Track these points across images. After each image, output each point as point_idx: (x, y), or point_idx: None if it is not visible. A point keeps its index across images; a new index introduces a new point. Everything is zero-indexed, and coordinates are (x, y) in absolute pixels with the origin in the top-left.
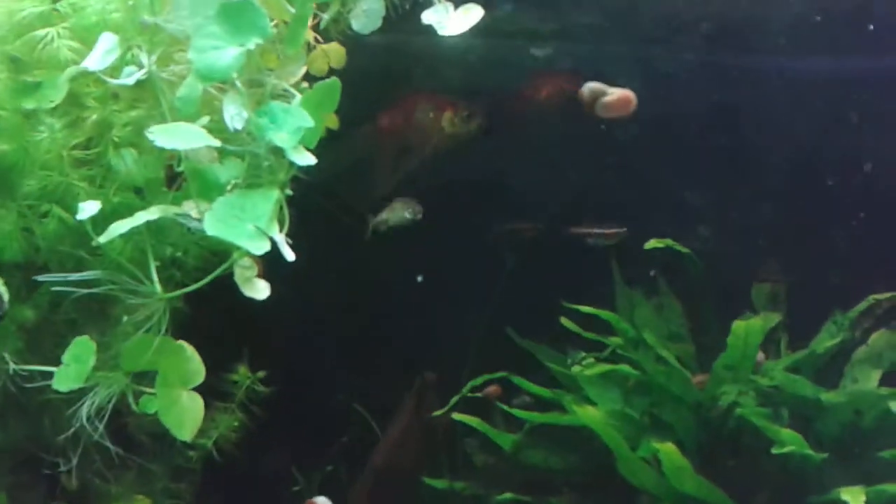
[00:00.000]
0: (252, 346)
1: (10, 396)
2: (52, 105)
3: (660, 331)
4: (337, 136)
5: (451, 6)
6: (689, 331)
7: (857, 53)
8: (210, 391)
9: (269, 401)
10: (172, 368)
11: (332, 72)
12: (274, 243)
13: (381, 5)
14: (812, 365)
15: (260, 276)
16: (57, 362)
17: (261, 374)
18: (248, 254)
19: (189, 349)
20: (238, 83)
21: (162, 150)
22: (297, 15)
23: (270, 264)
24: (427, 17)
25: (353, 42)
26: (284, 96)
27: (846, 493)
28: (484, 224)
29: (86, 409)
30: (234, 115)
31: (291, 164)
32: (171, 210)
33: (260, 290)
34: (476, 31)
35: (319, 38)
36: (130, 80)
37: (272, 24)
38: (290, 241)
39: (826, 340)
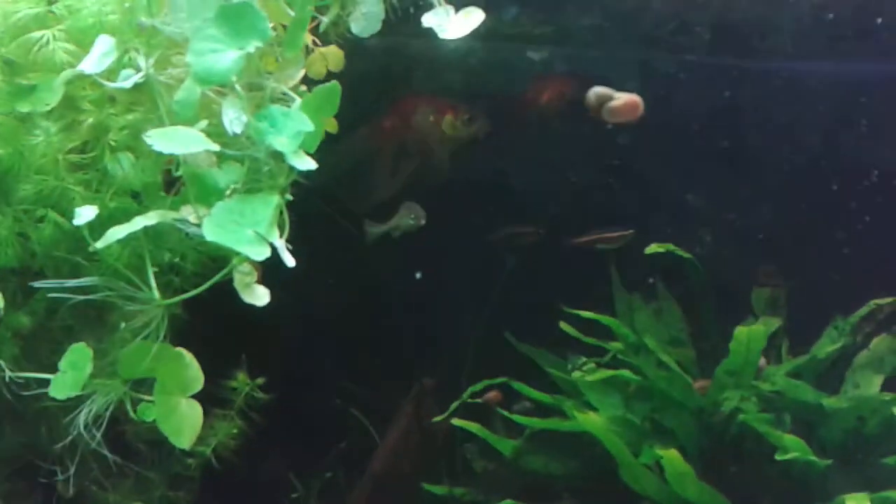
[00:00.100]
0: (250, 351)
1: (6, 404)
2: (48, 108)
3: (660, 335)
4: (336, 139)
5: (451, 9)
6: (689, 336)
7: (859, 56)
8: (209, 398)
9: (268, 407)
10: (171, 375)
11: (330, 75)
12: (274, 249)
13: (380, 8)
14: (813, 370)
15: (259, 281)
16: (53, 369)
17: (260, 380)
18: (248, 259)
19: (188, 356)
20: (237, 87)
21: (160, 154)
22: (297, 18)
23: (268, 269)
24: (427, 20)
25: (351, 45)
26: (284, 100)
27: (850, 500)
28: (483, 228)
29: (83, 416)
30: (234, 118)
31: (291, 168)
32: (170, 215)
33: (259, 296)
34: (474, 34)
35: (318, 41)
36: (128, 84)
37: (270, 26)
38: (290, 247)
39: (827, 345)
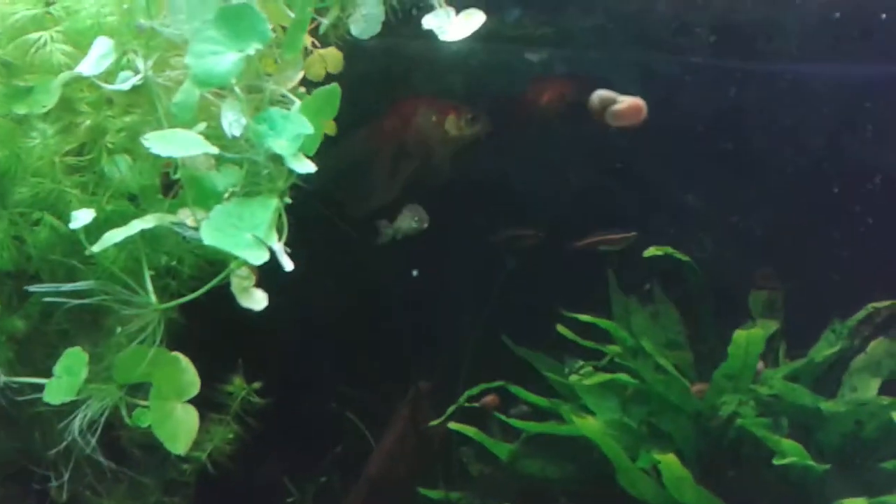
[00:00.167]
0: (246, 354)
1: (0, 408)
2: (45, 110)
3: (657, 338)
4: (335, 140)
5: (452, 11)
6: (686, 339)
7: (861, 58)
8: (204, 402)
9: (264, 411)
10: (167, 380)
11: (328, 76)
12: (271, 252)
13: (380, 10)
14: (811, 373)
15: (256, 284)
16: (48, 374)
17: (256, 384)
18: (246, 263)
19: (184, 360)
20: (237, 89)
21: (157, 157)
22: (297, 19)
23: (264, 272)
24: (428, 21)
25: (350, 46)
26: (283, 102)
27: None
28: (480, 230)
29: (78, 422)
30: (233, 121)
31: (291, 171)
32: (167, 219)
33: (257, 300)
34: (475, 35)
35: (317, 42)
36: (126, 86)
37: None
38: (288, 250)
39: (825, 349)
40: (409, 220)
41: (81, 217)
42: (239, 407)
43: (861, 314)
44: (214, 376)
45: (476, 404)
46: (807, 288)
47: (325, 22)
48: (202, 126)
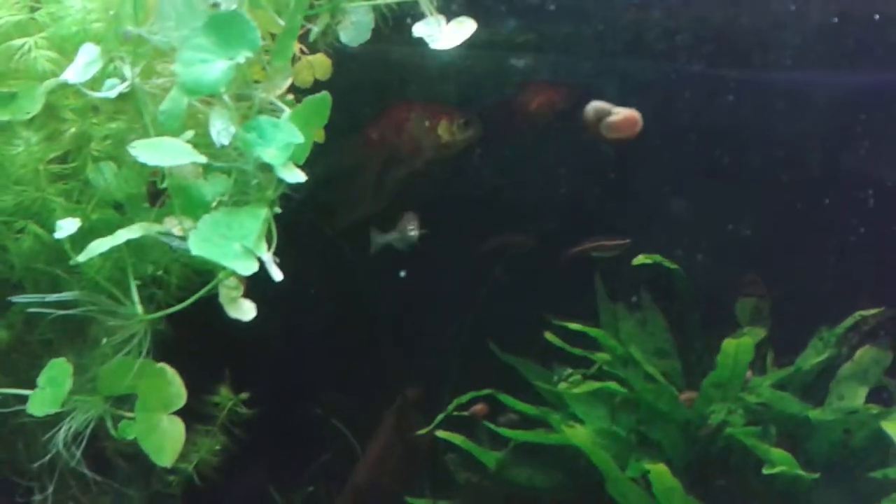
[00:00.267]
0: (231, 363)
1: None
2: (28, 117)
3: (645, 346)
4: (324, 147)
5: (443, 19)
6: (674, 346)
7: (852, 67)
8: (191, 413)
9: (249, 419)
10: (153, 392)
11: (316, 83)
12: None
13: (370, 18)
14: (799, 381)
15: (244, 294)
16: (32, 384)
17: (243, 395)
18: (234, 274)
19: (170, 372)
20: (225, 97)
21: (144, 165)
22: (287, 27)
23: (251, 279)
24: (418, 29)
25: (337, 53)
26: (272, 110)
27: None
28: (469, 236)
29: (62, 433)
30: (221, 130)
31: (280, 180)
32: (154, 228)
33: (245, 310)
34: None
35: (305, 49)
36: (112, 94)
37: None
38: (277, 259)
39: (812, 357)
40: (408, 228)
41: (66, 227)
42: (225, 418)
43: (848, 322)
44: (201, 386)
45: (465, 413)
46: (793, 295)
47: (315, 29)
48: (190, 134)
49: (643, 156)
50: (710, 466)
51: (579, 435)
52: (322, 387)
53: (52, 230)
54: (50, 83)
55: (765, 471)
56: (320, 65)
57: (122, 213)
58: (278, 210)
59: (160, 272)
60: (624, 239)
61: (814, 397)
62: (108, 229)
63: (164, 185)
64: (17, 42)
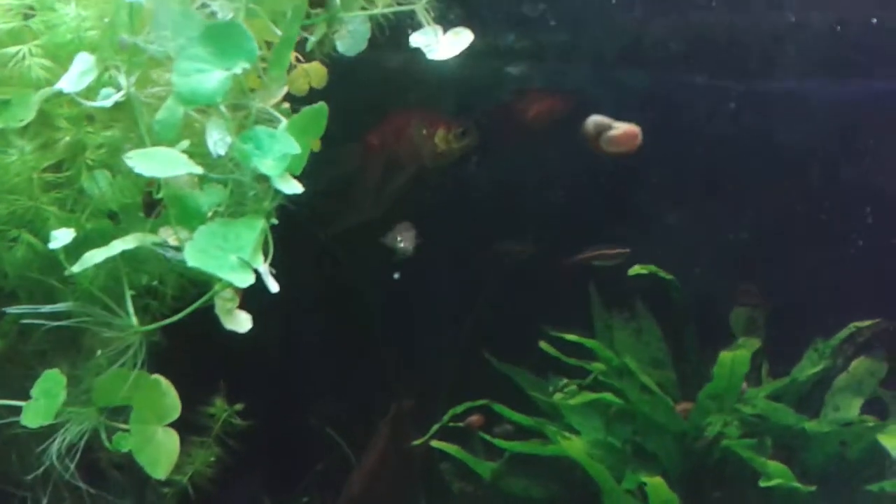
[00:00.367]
0: (226, 373)
1: None
2: (22, 124)
3: (640, 356)
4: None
5: (440, 29)
6: (669, 356)
7: (839, 74)
8: (185, 424)
9: (244, 430)
10: (147, 404)
11: (311, 91)
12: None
13: (366, 27)
14: (794, 392)
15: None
16: (25, 395)
17: (238, 406)
18: (230, 285)
19: (165, 383)
20: (222, 107)
21: (139, 174)
22: (284, 37)
23: (245, 289)
24: (416, 40)
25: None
26: (268, 120)
27: None
28: (464, 245)
29: (56, 445)
30: (218, 140)
31: (277, 191)
32: (149, 239)
33: (241, 322)
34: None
35: (300, 56)
36: (108, 103)
37: None
38: (273, 271)
39: (808, 368)
40: (399, 240)
41: (61, 237)
42: (220, 429)
43: (843, 333)
44: (195, 397)
45: (460, 424)
46: (788, 306)
47: (312, 39)
48: (185, 144)
49: (639, 165)
50: (706, 478)
51: (575, 447)
52: (316, 396)
53: (45, 239)
54: (44, 92)
55: (761, 483)
56: (316, 73)
57: (116, 222)
58: (275, 221)
59: (155, 282)
60: (624, 248)
61: (809, 408)
62: (103, 239)
63: (160, 195)
64: (11, 50)
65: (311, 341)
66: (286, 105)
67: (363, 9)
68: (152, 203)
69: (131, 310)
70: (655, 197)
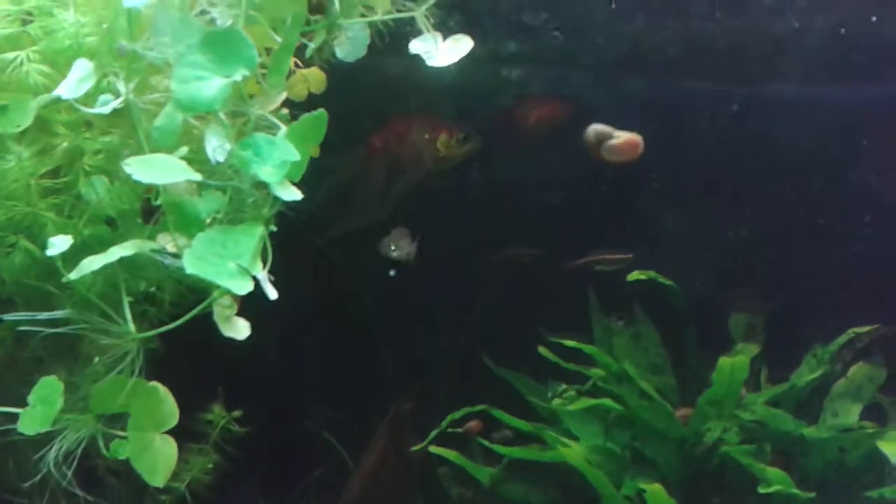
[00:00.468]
0: (224, 379)
1: None
2: (19, 129)
3: (639, 361)
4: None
5: (439, 36)
6: (668, 362)
7: (838, 77)
8: (183, 431)
9: (242, 436)
10: (145, 411)
11: (310, 96)
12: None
13: (366, 34)
14: (793, 398)
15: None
16: (22, 402)
17: (236, 413)
18: (229, 292)
19: (162, 391)
20: (221, 114)
21: (137, 180)
22: (283, 43)
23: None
24: (415, 46)
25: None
26: (267, 127)
27: None
28: (464, 249)
29: (53, 452)
30: (217, 147)
31: (276, 198)
32: (147, 245)
33: (240, 329)
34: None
35: (299, 62)
36: (106, 110)
37: None
38: (272, 278)
39: (806, 374)
40: (394, 247)
41: (58, 244)
42: (218, 435)
43: (842, 339)
44: (193, 404)
45: (459, 430)
46: (787, 312)
47: (312, 45)
48: (184, 150)
49: (639, 170)
50: (705, 484)
51: (574, 453)
52: (315, 402)
53: (43, 245)
54: (42, 98)
55: (760, 489)
56: (315, 78)
57: (114, 229)
58: (274, 228)
59: (153, 289)
60: (626, 254)
61: (808, 414)
62: (101, 245)
63: (159, 201)
64: (10, 55)
65: (310, 347)
66: (285, 111)
67: (363, 15)
68: (151, 209)
69: (129, 316)
70: (654, 202)
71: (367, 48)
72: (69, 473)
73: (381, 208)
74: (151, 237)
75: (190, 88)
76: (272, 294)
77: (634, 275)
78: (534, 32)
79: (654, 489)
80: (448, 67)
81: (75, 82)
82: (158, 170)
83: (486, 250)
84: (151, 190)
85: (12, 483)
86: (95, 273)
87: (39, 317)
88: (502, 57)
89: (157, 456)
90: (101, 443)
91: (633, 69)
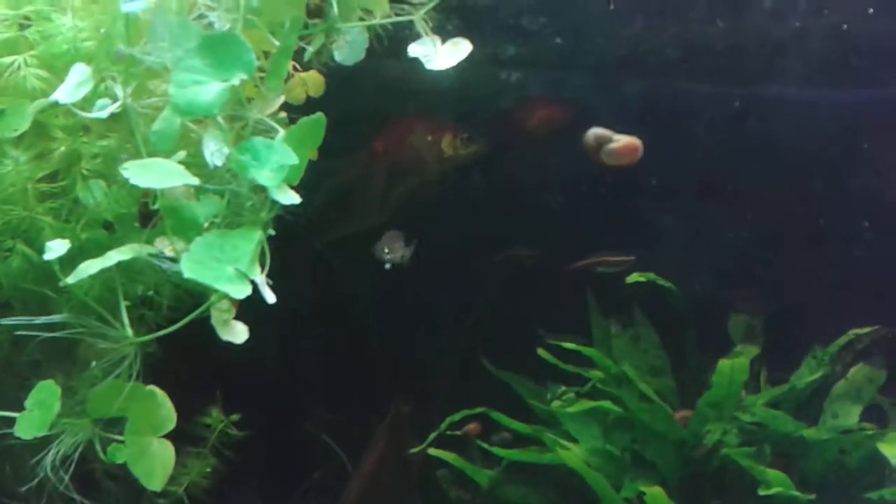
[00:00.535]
0: (222, 383)
1: None
2: (17, 134)
3: (638, 363)
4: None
5: (438, 40)
6: (667, 364)
7: (838, 79)
8: (181, 435)
9: (240, 439)
10: (142, 415)
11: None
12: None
13: (364, 37)
14: (793, 400)
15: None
16: (19, 406)
17: (234, 417)
18: (227, 296)
19: (160, 394)
20: (219, 118)
21: (135, 185)
22: (282, 47)
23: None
24: (414, 50)
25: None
26: (265, 130)
27: None
28: (463, 251)
29: (50, 456)
30: (215, 151)
31: (274, 202)
32: (145, 250)
33: (238, 333)
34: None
35: (298, 66)
36: (104, 114)
37: None
38: (270, 282)
39: (806, 375)
40: (383, 250)
41: (55, 248)
42: (216, 439)
43: (842, 340)
44: (191, 407)
45: (458, 432)
46: (787, 313)
47: (310, 49)
48: (182, 154)
49: (638, 172)
50: (705, 487)
51: (573, 455)
52: (313, 405)
53: (40, 250)
54: (40, 102)
55: (761, 492)
56: (313, 82)
57: (112, 233)
58: (272, 232)
59: (151, 293)
60: (628, 255)
61: (808, 416)
62: (98, 249)
63: (156, 205)
64: (7, 60)
65: (308, 350)
66: (283, 114)
67: (361, 19)
68: (148, 213)
69: (126, 320)
70: (653, 203)
71: (366, 52)
72: (66, 477)
73: (382, 211)
74: (149, 241)
75: (188, 93)
76: (270, 298)
77: (634, 277)
78: (532, 36)
79: (654, 492)
80: (447, 71)
81: (73, 87)
82: (156, 174)
83: (484, 252)
84: (149, 194)
85: (9, 487)
86: (93, 277)
87: (37, 321)
88: (501, 60)
89: (155, 460)
90: (98, 447)
91: (631, 72)
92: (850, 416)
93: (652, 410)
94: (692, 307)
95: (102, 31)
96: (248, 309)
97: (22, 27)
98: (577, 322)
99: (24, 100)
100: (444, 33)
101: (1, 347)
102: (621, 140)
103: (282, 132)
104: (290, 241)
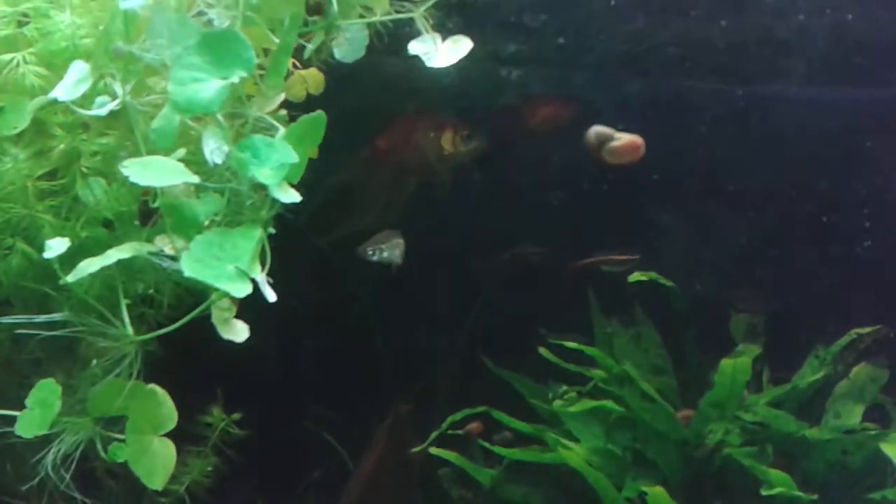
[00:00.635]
0: (223, 381)
1: None
2: (16, 131)
3: (639, 362)
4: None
5: (438, 37)
6: (668, 362)
7: (839, 77)
8: (181, 434)
9: (241, 438)
10: (143, 414)
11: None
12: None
13: (364, 34)
14: (795, 399)
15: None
16: (20, 405)
17: (235, 416)
18: (227, 295)
19: (161, 393)
20: (219, 115)
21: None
22: (281, 44)
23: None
24: (414, 47)
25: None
26: (265, 128)
27: None
28: (462, 250)
29: (51, 455)
30: (215, 149)
31: (275, 200)
32: (145, 248)
33: (238, 331)
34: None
35: (298, 63)
36: (103, 111)
37: None
38: (271, 280)
39: (809, 375)
40: (377, 249)
41: (55, 246)
42: (217, 438)
43: (845, 340)
44: (192, 405)
45: (459, 431)
46: (789, 313)
47: (310, 47)
48: (181, 152)
49: (639, 171)
50: (707, 486)
51: (574, 455)
52: (314, 404)
53: (40, 248)
54: (39, 100)
55: (763, 492)
56: (313, 80)
57: (112, 231)
58: (272, 230)
59: (151, 291)
60: (633, 255)
61: (810, 415)
62: (98, 248)
63: (156, 203)
64: (6, 57)
65: (309, 349)
66: (283, 112)
67: (361, 16)
68: (148, 212)
69: (127, 319)
70: (655, 202)
71: (366, 49)
72: (67, 476)
73: (384, 210)
74: (149, 239)
75: (187, 90)
76: (271, 296)
77: (635, 276)
78: (533, 33)
79: (656, 491)
80: (447, 69)
81: (72, 84)
82: (156, 172)
83: (485, 250)
84: (149, 192)
85: (10, 486)
86: (93, 275)
87: (37, 319)
88: (502, 58)
89: (156, 459)
90: (99, 445)
91: (633, 70)
92: (853, 415)
93: (654, 410)
94: (694, 306)
95: (101, 28)
96: (249, 307)
97: (20, 24)
98: (579, 321)
99: (23, 97)
100: (445, 30)
101: (1, 346)
102: (623, 138)
103: (282, 130)
104: (290, 240)
